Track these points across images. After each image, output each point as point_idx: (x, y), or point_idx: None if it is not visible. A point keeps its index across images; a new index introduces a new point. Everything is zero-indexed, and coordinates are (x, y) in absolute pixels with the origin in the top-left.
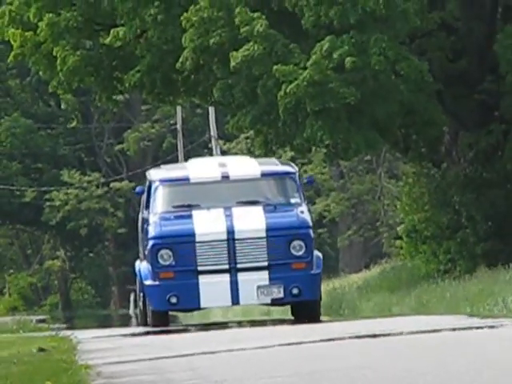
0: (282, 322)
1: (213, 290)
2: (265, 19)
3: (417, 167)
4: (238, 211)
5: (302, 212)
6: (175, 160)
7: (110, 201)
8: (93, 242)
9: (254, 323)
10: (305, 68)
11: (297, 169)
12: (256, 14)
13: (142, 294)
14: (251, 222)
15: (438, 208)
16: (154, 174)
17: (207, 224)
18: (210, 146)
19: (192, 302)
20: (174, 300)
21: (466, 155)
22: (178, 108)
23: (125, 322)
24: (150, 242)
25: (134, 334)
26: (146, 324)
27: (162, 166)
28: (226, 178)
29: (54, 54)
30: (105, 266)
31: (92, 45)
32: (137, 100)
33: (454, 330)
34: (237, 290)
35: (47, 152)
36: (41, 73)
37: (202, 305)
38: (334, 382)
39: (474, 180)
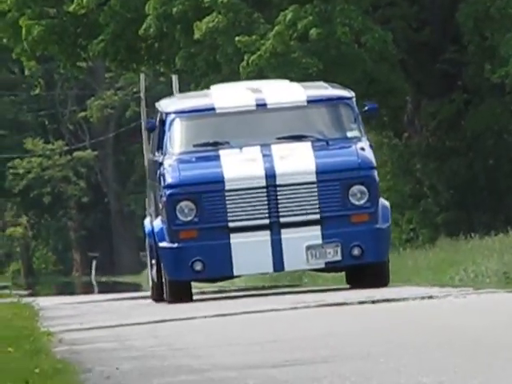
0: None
1: (249, 252)
2: None
3: (379, 136)
4: (279, 149)
5: (363, 149)
6: (139, 128)
7: (73, 169)
8: (55, 210)
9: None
10: (268, 38)
11: (353, 94)
12: None
13: (154, 261)
14: (297, 162)
15: (400, 177)
16: (169, 105)
17: (240, 167)
18: None
19: (222, 269)
20: (198, 267)
21: (428, 124)
22: (142, 76)
23: (87, 289)
24: (167, 192)
25: (95, 301)
26: (161, 299)
27: (177, 94)
28: (262, 106)
29: (20, 23)
30: (66, 233)
31: (56, 12)
32: (100, 67)
33: (423, 298)
34: (280, 251)
35: (10, 119)
36: (5, 40)
37: (236, 272)
38: (295, 350)
39: (437, 149)
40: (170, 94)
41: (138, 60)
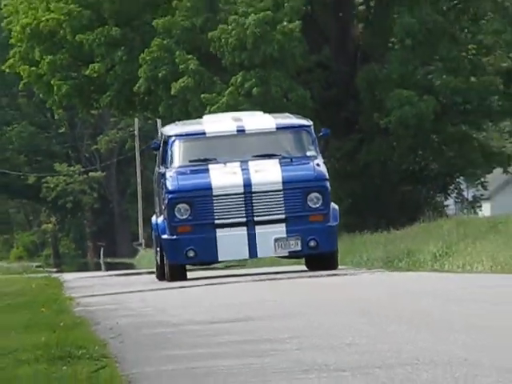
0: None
1: (230, 243)
2: (196, 60)
3: None
4: (254, 164)
5: (318, 165)
6: (133, 157)
7: (88, 184)
8: (75, 212)
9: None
10: (224, 95)
11: (311, 122)
12: (189, 56)
13: (158, 249)
14: (268, 175)
15: None
16: (170, 130)
17: (224, 177)
18: None
19: (209, 256)
20: (191, 254)
21: (335, 155)
22: (136, 120)
23: (97, 267)
24: (168, 197)
25: (102, 276)
26: (163, 278)
27: (176, 122)
28: (241, 131)
29: (52, 83)
30: (83, 228)
31: (77, 75)
32: (107, 113)
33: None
34: (254, 243)
35: (44, 149)
36: (41, 95)
37: (220, 258)
38: (244, 310)
39: (340, 172)
40: (155, 132)
41: (133, 109)
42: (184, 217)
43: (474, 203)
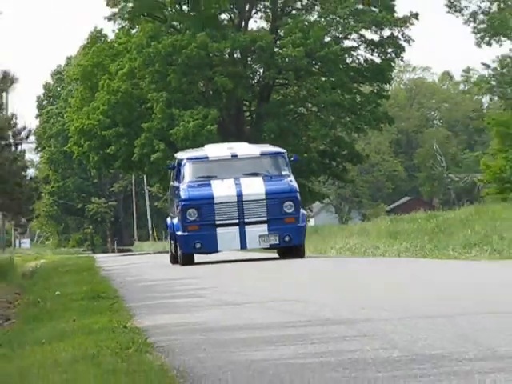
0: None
1: (227, 238)
2: (164, 145)
3: None
4: (244, 181)
5: (291, 181)
6: (131, 194)
7: (108, 208)
8: (101, 223)
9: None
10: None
11: (285, 150)
12: (161, 142)
13: (173, 242)
14: (254, 188)
15: None
16: (182, 155)
17: (222, 190)
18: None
19: (212, 247)
20: (198, 246)
21: None
22: (133, 175)
23: (112, 251)
24: (181, 204)
25: (115, 256)
26: (175, 262)
27: (186, 150)
28: (234, 156)
29: (89, 156)
30: (105, 231)
31: (102, 152)
32: (118, 171)
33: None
34: (244, 238)
35: (87, 191)
36: (84, 162)
37: (219, 249)
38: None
39: None
40: (142, 181)
41: (131, 169)
42: (193, 219)
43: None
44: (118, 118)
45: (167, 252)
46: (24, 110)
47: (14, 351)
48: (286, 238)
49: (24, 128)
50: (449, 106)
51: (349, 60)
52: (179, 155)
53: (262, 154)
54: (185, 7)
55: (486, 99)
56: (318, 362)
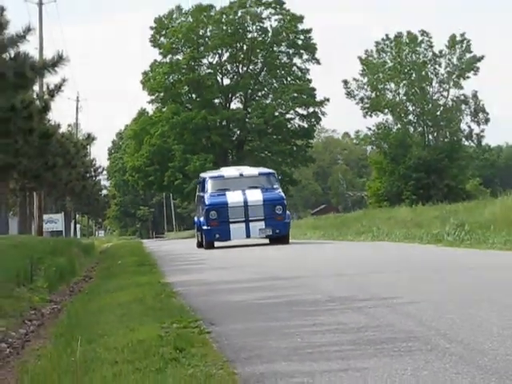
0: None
1: (237, 230)
2: (183, 176)
3: None
4: (248, 192)
5: (280, 192)
6: (162, 205)
7: (151, 214)
8: (146, 222)
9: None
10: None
11: (275, 171)
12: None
13: (199, 233)
14: (255, 197)
15: None
16: (205, 174)
17: (233, 198)
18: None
19: (226, 237)
20: (217, 236)
21: None
22: (164, 194)
23: (152, 238)
24: (205, 207)
25: (155, 240)
26: (201, 247)
27: (207, 171)
28: (241, 175)
29: (138, 183)
30: (148, 227)
31: (146, 180)
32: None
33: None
34: (248, 230)
35: (136, 203)
36: (135, 186)
37: (232, 238)
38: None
39: None
40: (169, 197)
41: (163, 190)
42: (214, 217)
43: None
44: (155, 160)
45: (192, 237)
46: (100, 155)
47: (95, 296)
48: (277, 231)
49: (100, 166)
50: (347, 151)
51: (289, 125)
52: (203, 174)
53: (260, 174)
54: (193, 95)
55: (369, 148)
56: (272, 302)
